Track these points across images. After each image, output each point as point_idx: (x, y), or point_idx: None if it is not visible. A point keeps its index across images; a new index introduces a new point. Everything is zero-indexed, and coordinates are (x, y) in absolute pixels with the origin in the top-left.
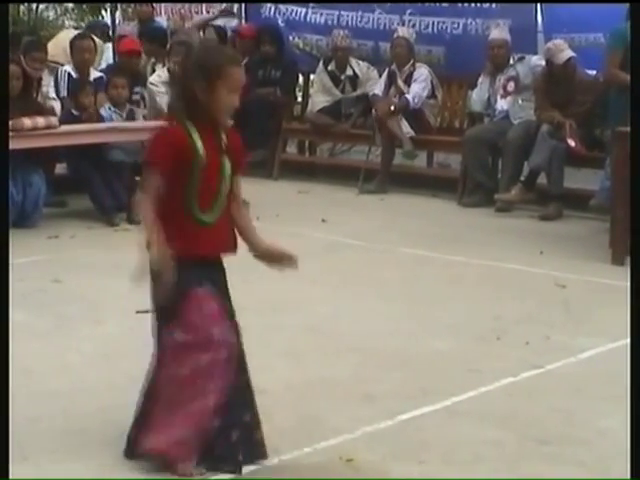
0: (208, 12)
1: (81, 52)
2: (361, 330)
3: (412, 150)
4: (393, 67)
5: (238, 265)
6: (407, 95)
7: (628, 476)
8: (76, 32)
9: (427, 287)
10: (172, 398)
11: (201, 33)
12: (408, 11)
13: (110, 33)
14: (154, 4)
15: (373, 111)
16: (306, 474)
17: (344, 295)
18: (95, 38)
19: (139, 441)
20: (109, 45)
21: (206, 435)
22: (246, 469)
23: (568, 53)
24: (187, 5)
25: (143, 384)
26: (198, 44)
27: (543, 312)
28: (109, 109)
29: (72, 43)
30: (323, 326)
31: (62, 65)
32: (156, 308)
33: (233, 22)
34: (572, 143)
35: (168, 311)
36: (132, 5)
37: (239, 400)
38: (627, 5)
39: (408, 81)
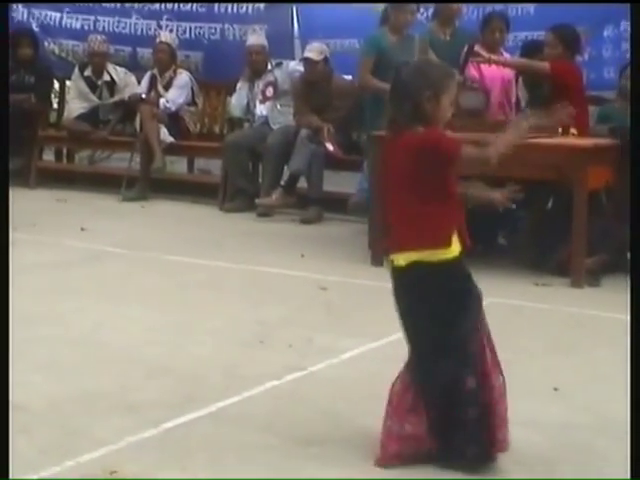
0: None
1: None
2: (124, 340)
3: (162, 167)
4: (155, 72)
5: None
6: (161, 99)
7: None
8: None
9: (190, 294)
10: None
11: None
12: (165, 16)
13: None
14: None
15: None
16: None
17: (106, 305)
18: None
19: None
20: None
21: None
22: None
23: (325, 53)
24: None
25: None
26: (419, 60)
27: (306, 315)
28: None
29: None
30: (85, 337)
31: None
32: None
33: None
34: (330, 147)
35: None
36: None
37: None
38: (380, 11)
39: (168, 87)
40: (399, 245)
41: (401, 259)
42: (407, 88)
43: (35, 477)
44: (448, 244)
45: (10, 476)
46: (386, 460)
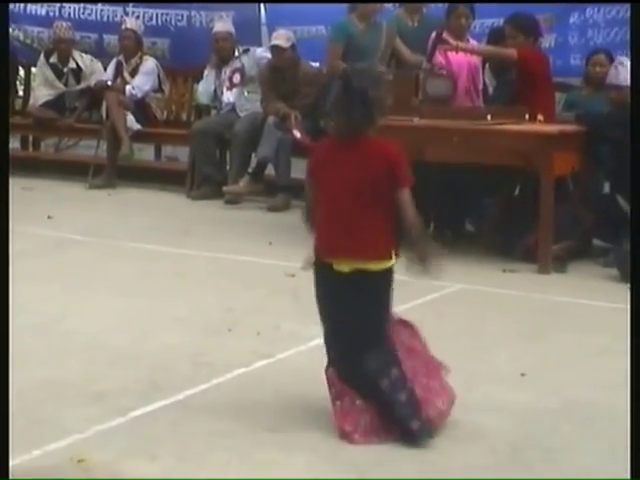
0: None
1: None
2: (91, 328)
3: (130, 154)
4: (121, 58)
5: None
6: (127, 86)
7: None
8: None
9: (158, 282)
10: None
11: None
12: (131, 3)
13: None
14: None
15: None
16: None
17: (74, 293)
18: None
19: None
20: None
21: None
22: None
23: (292, 39)
24: None
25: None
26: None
27: (274, 302)
28: None
29: None
30: (52, 325)
31: None
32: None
33: None
34: (297, 134)
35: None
36: None
37: None
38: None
39: (135, 73)
40: (342, 253)
41: (344, 266)
42: (365, 95)
43: None
44: (391, 257)
45: None
46: (348, 438)
